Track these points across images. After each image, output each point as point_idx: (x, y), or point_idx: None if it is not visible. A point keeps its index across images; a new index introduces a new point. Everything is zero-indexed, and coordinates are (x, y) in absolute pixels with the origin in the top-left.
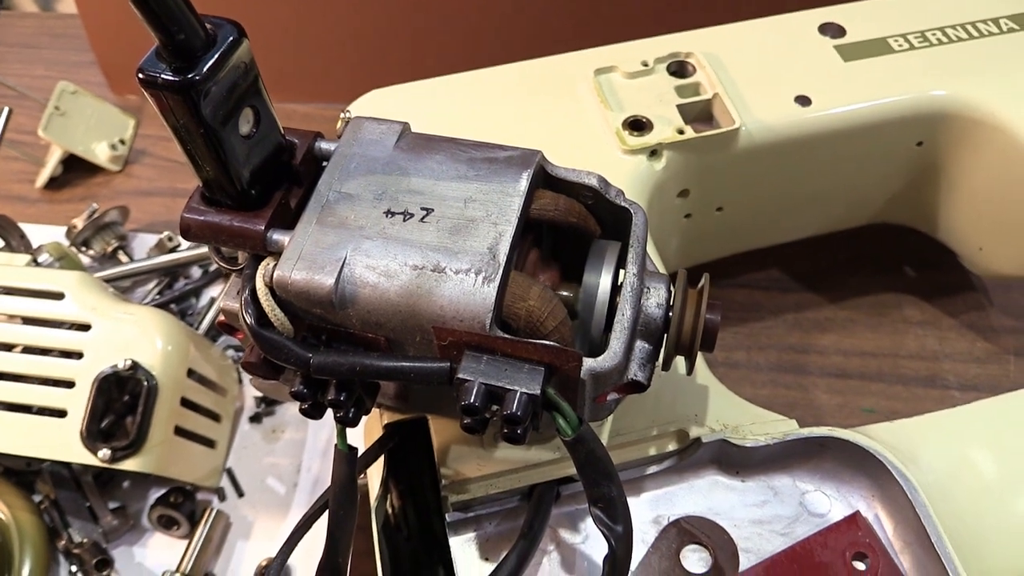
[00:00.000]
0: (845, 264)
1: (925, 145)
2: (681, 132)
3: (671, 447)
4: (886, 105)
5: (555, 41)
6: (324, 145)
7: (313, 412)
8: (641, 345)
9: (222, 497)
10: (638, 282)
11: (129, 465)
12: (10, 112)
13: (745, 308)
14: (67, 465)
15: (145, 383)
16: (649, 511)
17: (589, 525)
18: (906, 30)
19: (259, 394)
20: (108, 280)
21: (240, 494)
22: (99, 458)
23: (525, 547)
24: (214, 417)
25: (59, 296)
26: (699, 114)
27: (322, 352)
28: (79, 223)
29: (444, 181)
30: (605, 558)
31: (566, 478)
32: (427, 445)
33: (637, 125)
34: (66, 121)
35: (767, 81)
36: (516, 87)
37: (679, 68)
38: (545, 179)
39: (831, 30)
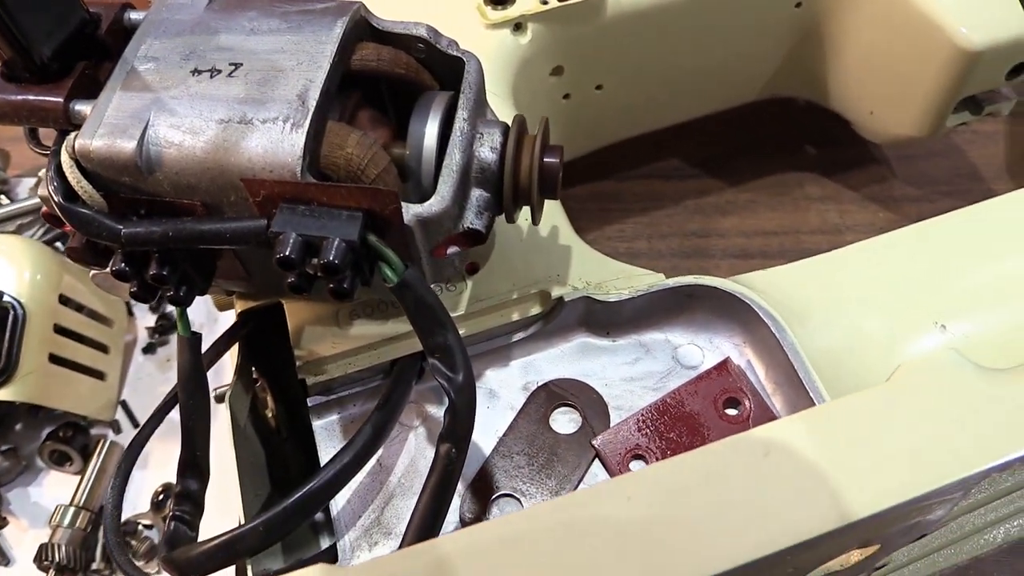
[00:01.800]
0: (745, 147)
1: (804, 6)
2: (545, 3)
3: (535, 310)
4: None
5: None
6: (134, 16)
7: (142, 294)
8: (478, 193)
9: (117, 430)
10: (468, 127)
11: (2, 395)
12: None
13: (646, 198)
14: None
15: (12, 311)
16: (518, 378)
17: None
18: None
19: (151, 324)
20: None
21: (135, 425)
22: None
23: (380, 419)
24: (100, 348)
25: None
26: None
27: (134, 222)
28: None
29: (255, 36)
30: (445, 411)
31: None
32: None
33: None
34: None
35: None
36: None
37: None
38: (372, 33)
39: None
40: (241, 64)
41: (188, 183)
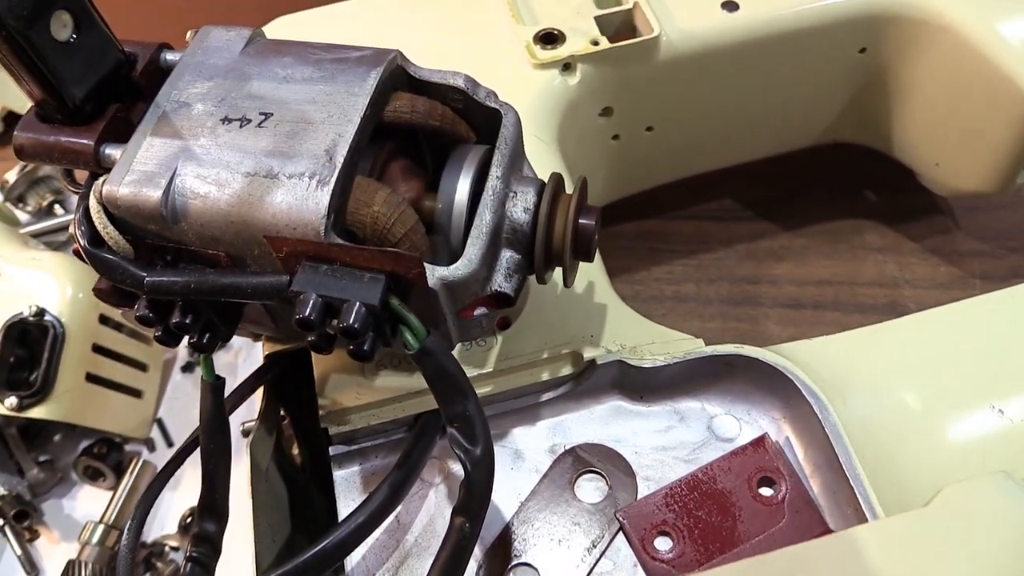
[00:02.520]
0: (801, 190)
1: (869, 52)
2: (596, 43)
3: (566, 371)
4: (821, 8)
5: None
6: (170, 56)
7: (167, 339)
8: (509, 254)
9: (151, 448)
10: (501, 185)
11: (37, 413)
12: None
13: (695, 240)
14: None
15: (52, 330)
16: (546, 440)
17: None
18: None
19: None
20: (41, 234)
21: (169, 444)
22: (5, 406)
23: (400, 477)
24: (139, 366)
25: None
26: (620, 26)
27: (158, 271)
28: (11, 177)
29: (287, 84)
30: (461, 483)
31: None
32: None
33: (549, 38)
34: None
35: None
36: (425, 4)
37: None
38: (409, 82)
39: None
40: (272, 114)
41: (212, 235)
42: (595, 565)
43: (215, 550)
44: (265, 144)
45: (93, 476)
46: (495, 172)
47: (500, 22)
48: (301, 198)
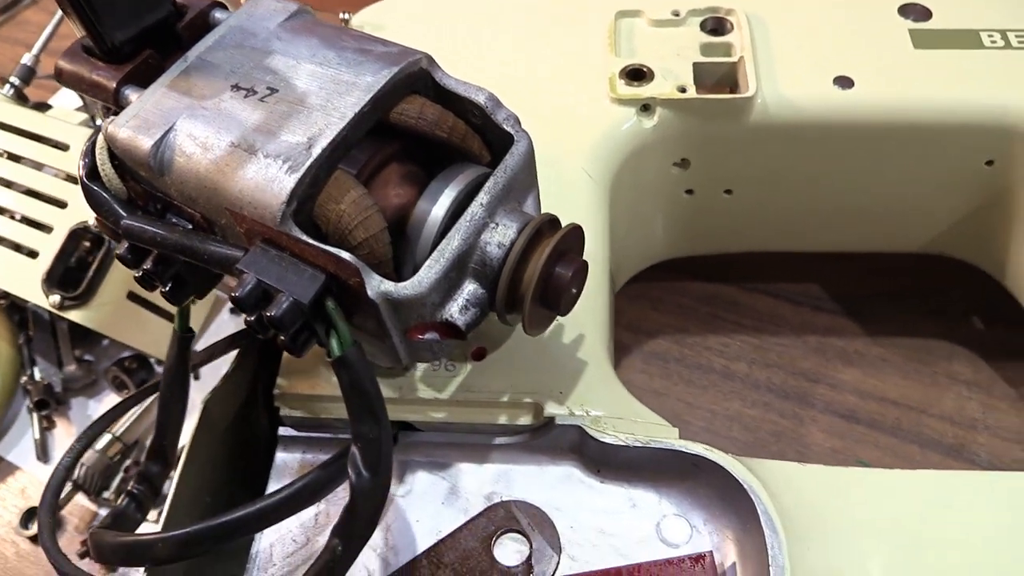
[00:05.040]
0: (897, 295)
1: (997, 166)
2: (683, 90)
3: (524, 420)
4: (951, 106)
5: None
6: (219, 15)
7: (143, 283)
8: (472, 287)
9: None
10: (483, 213)
11: (74, 316)
12: None
13: (764, 318)
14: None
15: (107, 243)
16: (486, 485)
17: (417, 480)
18: (1008, 26)
19: None
20: None
21: (196, 378)
22: (49, 302)
23: (325, 475)
24: None
25: (64, 147)
26: (722, 78)
27: (137, 216)
28: None
29: (303, 65)
30: (346, 505)
31: (407, 424)
32: None
33: (636, 74)
34: None
35: (811, 54)
36: (534, 11)
37: (715, 25)
38: (435, 89)
39: (914, 12)
40: (277, 91)
41: (190, 194)
42: None
43: (155, 491)
44: (257, 118)
45: (119, 386)
46: (481, 198)
47: (595, 50)
48: (268, 179)
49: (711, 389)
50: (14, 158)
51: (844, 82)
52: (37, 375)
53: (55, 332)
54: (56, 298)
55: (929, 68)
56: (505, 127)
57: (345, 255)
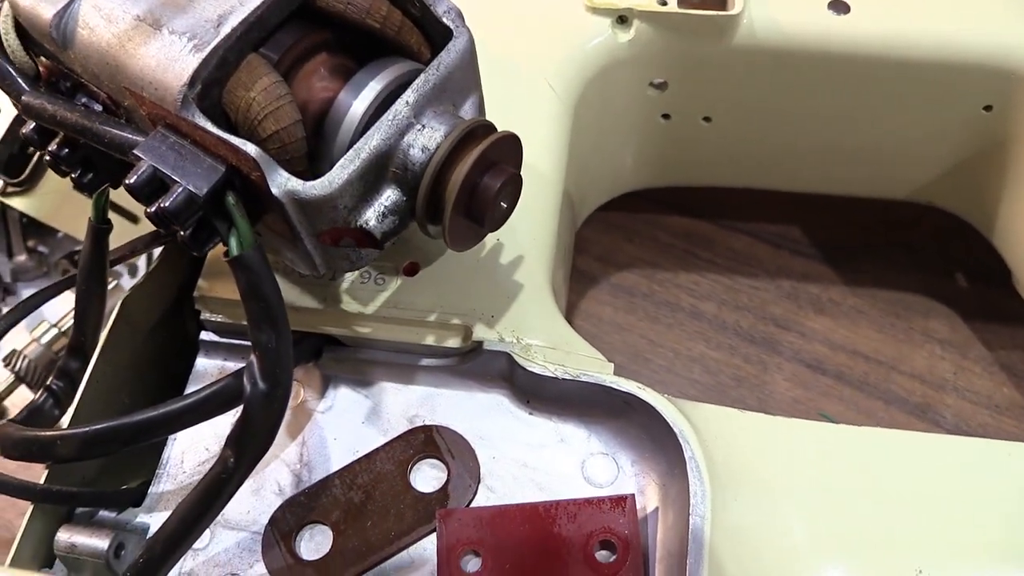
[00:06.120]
0: (882, 246)
1: (995, 112)
2: (664, 3)
3: (452, 343)
4: (952, 43)
5: None
6: None
7: (53, 166)
8: (391, 192)
9: (133, 274)
10: (408, 113)
11: (15, 203)
12: None
13: (740, 258)
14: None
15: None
16: (411, 407)
17: (340, 397)
18: None
19: None
20: None
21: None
22: None
23: (228, 387)
24: None
25: None
26: None
27: (40, 93)
28: None
29: None
30: (238, 418)
31: (333, 339)
32: None
33: None
34: None
35: None
36: None
37: None
38: None
39: None
40: None
41: (93, 71)
42: (392, 555)
43: (74, 387)
44: None
45: (69, 282)
46: (407, 96)
47: None
48: (171, 58)
49: (676, 328)
50: None
51: (839, 7)
52: None
53: (5, 220)
54: None
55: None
56: (445, 20)
57: (249, 147)
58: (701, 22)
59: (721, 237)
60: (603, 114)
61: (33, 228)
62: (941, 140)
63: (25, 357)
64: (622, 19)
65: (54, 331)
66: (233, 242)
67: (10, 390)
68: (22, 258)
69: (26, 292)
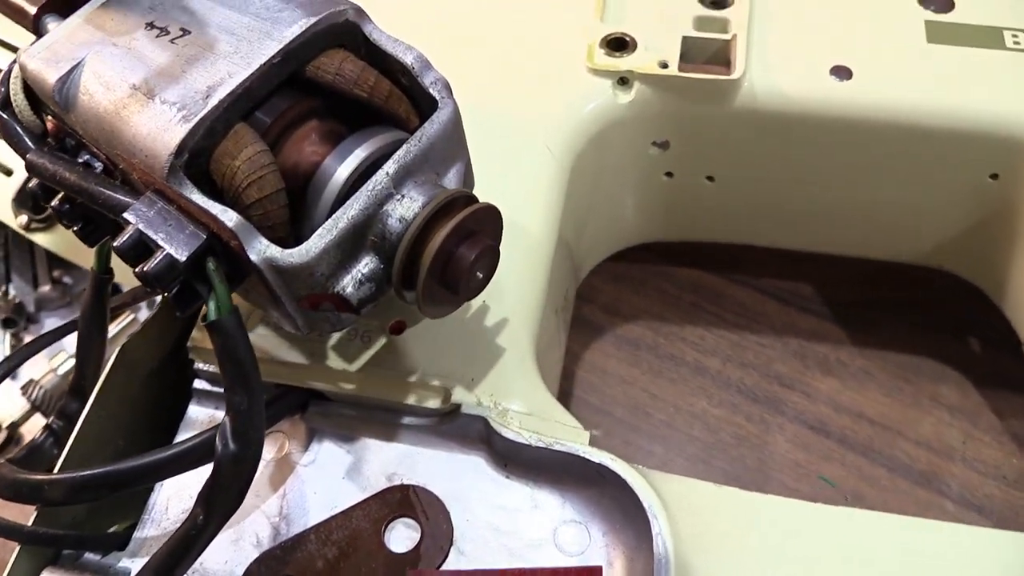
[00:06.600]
0: (893, 306)
1: (1002, 180)
2: (664, 66)
3: (431, 404)
4: (958, 111)
5: None
6: None
7: (59, 220)
8: (369, 260)
9: (151, 305)
10: (388, 183)
11: (38, 238)
12: None
13: (747, 314)
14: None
15: None
16: (389, 464)
17: (323, 450)
18: None
19: None
20: None
21: None
22: (16, 222)
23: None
24: None
25: None
26: (713, 56)
27: (44, 152)
28: None
29: (221, 7)
30: (208, 477)
31: (319, 392)
32: None
33: (618, 44)
34: None
35: (811, 38)
36: None
37: None
38: (365, 45)
39: (935, 1)
40: (189, 32)
41: (92, 134)
42: None
43: (72, 426)
44: (163, 61)
45: None
46: (388, 167)
47: (580, 11)
48: (160, 127)
49: (679, 383)
50: None
51: (842, 72)
52: (11, 292)
53: (32, 251)
54: (24, 219)
55: (939, 65)
56: (431, 91)
57: (229, 215)
58: (702, 86)
59: (730, 291)
60: (603, 172)
61: (58, 259)
62: (947, 207)
63: (41, 387)
64: (623, 80)
65: (71, 362)
66: (211, 306)
67: (25, 418)
68: (46, 288)
69: (48, 321)
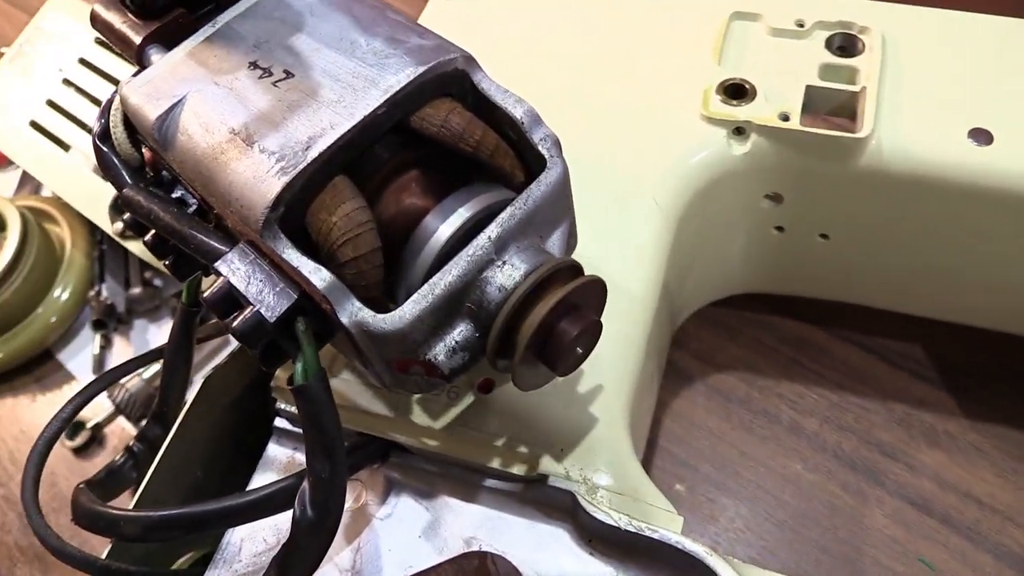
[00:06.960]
0: (1015, 380)
1: None
2: (785, 118)
3: (517, 470)
4: None
5: None
6: None
7: (152, 251)
8: (464, 328)
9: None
10: (490, 248)
11: (131, 246)
12: None
13: (852, 374)
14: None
15: None
16: (468, 527)
17: (401, 504)
18: None
19: None
20: None
21: None
22: (112, 228)
23: (292, 487)
24: None
25: None
26: (839, 108)
27: (140, 188)
28: None
29: (327, 49)
30: (285, 542)
31: (400, 445)
32: None
33: (737, 91)
34: None
35: (949, 96)
36: (638, 4)
37: (844, 43)
38: (473, 94)
39: None
40: (293, 76)
41: (188, 175)
42: None
43: (152, 451)
44: (264, 105)
45: None
46: (490, 231)
47: (697, 54)
48: (258, 178)
49: (772, 441)
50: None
51: (981, 136)
52: (104, 292)
53: (126, 252)
54: (119, 225)
55: None
56: (540, 148)
57: (322, 274)
58: (825, 143)
59: (834, 348)
60: (710, 224)
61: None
62: None
63: (127, 391)
64: (739, 131)
65: (156, 366)
66: (298, 367)
67: (109, 420)
68: (138, 290)
69: (138, 323)
